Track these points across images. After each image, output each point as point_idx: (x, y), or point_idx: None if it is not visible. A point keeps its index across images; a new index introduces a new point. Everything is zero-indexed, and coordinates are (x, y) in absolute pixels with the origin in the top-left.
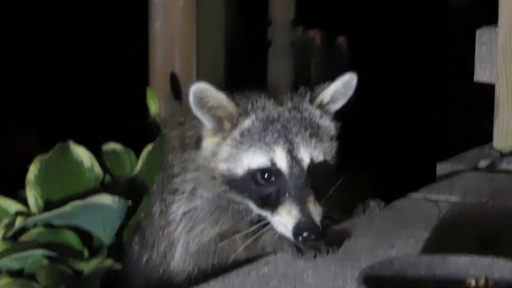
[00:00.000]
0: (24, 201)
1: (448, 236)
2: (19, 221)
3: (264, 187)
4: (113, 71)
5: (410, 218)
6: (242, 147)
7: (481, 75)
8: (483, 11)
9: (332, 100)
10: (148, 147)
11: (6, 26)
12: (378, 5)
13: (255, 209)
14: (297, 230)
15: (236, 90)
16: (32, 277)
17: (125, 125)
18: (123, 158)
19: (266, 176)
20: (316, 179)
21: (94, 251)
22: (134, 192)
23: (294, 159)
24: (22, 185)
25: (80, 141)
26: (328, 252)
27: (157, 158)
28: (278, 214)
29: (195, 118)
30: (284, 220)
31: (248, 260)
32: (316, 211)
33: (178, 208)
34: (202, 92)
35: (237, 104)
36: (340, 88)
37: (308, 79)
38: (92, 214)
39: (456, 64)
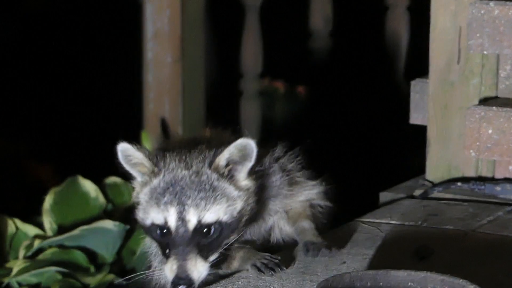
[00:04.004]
0: (40, 225)
1: (390, 253)
2: (37, 243)
3: (160, 239)
4: (113, 117)
5: (357, 239)
6: (150, 202)
7: (415, 118)
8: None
9: (232, 162)
10: None
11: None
12: (331, 60)
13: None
14: (174, 284)
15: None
16: None
17: None
18: (122, 189)
19: (161, 231)
20: (207, 237)
21: (99, 268)
22: (131, 218)
23: (181, 220)
24: (39, 213)
25: (86, 175)
26: (280, 270)
27: None
28: (165, 265)
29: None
30: (167, 272)
31: (225, 275)
32: (194, 267)
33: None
34: (125, 151)
35: (154, 164)
36: (236, 152)
37: (274, 121)
38: (97, 237)
39: (395, 110)
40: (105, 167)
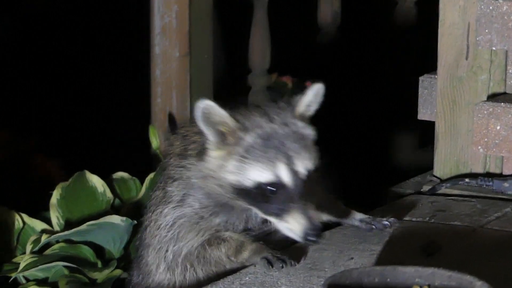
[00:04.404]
0: (48, 221)
1: (397, 249)
2: (44, 238)
3: (271, 197)
4: (121, 112)
5: (365, 234)
6: (247, 161)
7: (423, 114)
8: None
9: (307, 109)
10: (150, 175)
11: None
12: (336, 56)
13: (261, 214)
14: (306, 235)
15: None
16: (54, 284)
17: (131, 157)
18: (130, 185)
19: (272, 189)
20: (310, 185)
21: (106, 263)
22: (138, 213)
23: (293, 172)
24: (46, 208)
25: (94, 170)
26: (291, 264)
27: None
28: (285, 221)
29: (198, 133)
30: (293, 226)
31: (232, 271)
32: (316, 215)
33: (167, 215)
34: (208, 108)
35: (237, 121)
36: (312, 98)
37: None
38: (104, 232)
39: (404, 106)
40: (113, 162)
